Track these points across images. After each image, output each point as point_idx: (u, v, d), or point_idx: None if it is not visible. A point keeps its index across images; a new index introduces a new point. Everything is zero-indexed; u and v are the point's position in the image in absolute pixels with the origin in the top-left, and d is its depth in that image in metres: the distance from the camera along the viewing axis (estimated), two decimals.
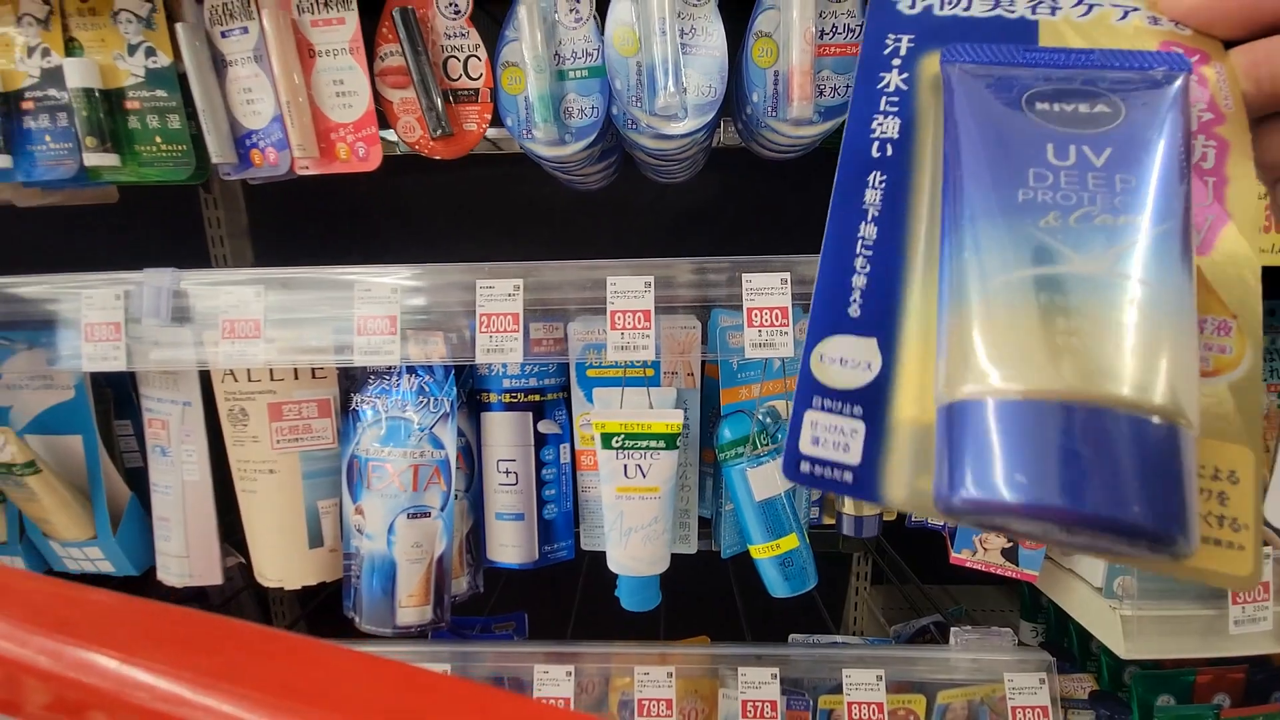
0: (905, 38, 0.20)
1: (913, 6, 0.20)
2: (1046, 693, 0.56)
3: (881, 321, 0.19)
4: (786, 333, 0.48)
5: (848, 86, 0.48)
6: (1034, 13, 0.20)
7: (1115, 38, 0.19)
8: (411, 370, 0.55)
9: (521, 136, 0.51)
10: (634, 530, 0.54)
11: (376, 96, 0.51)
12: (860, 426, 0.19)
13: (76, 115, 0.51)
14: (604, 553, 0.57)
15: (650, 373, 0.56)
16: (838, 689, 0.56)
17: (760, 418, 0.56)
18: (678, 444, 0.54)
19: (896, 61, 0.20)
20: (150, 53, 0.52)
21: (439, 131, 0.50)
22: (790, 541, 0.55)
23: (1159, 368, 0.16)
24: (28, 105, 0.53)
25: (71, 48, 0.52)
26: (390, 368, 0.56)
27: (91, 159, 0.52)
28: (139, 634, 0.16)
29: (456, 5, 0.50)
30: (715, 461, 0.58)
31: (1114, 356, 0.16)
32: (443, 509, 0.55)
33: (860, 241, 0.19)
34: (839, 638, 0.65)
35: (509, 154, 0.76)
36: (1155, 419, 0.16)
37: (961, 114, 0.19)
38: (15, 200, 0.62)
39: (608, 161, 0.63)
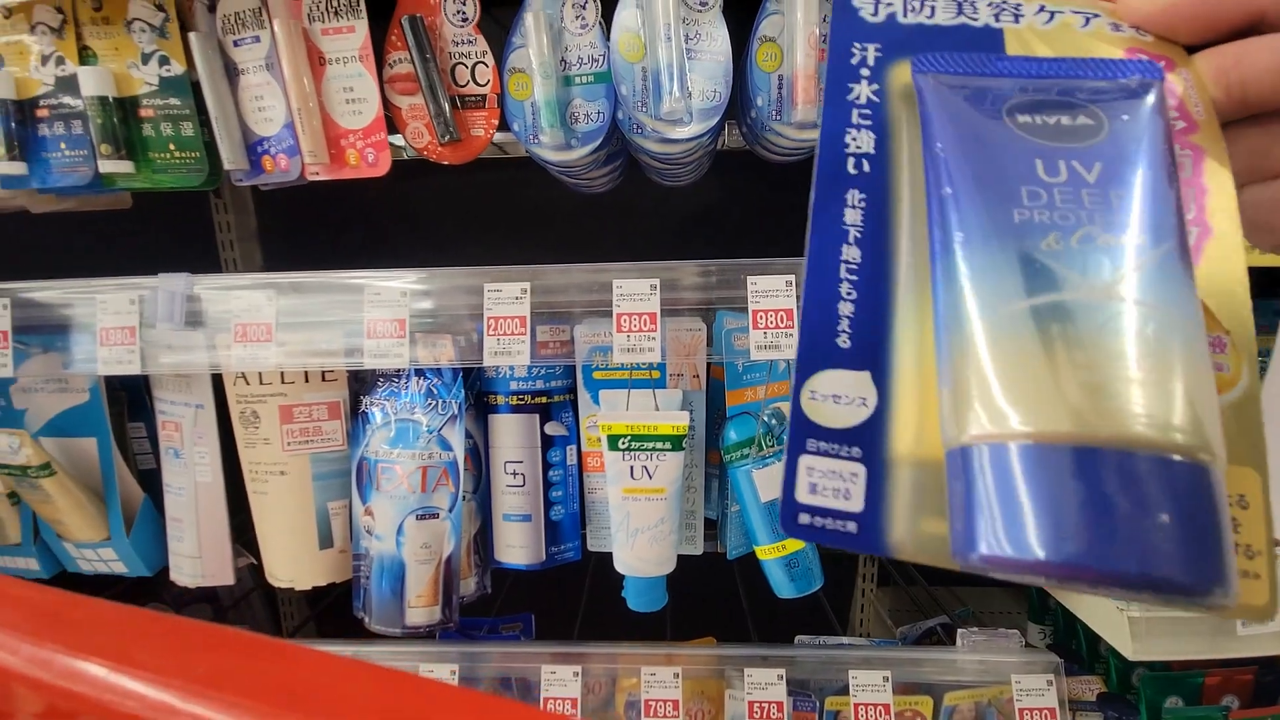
0: (872, 47, 0.19)
1: (876, 14, 0.19)
2: (1054, 695, 0.55)
3: (874, 352, 0.18)
4: (792, 334, 0.49)
5: None
6: (998, 20, 0.19)
7: (1080, 45, 0.19)
8: (420, 373, 0.56)
9: (528, 141, 0.51)
10: (640, 531, 0.55)
11: (385, 103, 0.52)
12: (860, 470, 0.17)
13: (91, 123, 0.52)
14: (610, 554, 0.58)
15: (656, 375, 0.57)
16: (844, 690, 0.56)
17: (766, 419, 0.57)
18: (684, 445, 0.54)
19: (865, 72, 0.19)
20: (164, 61, 0.53)
21: (447, 137, 0.51)
22: (796, 543, 0.56)
23: (1185, 403, 0.15)
24: (43, 113, 0.54)
25: (85, 56, 0.53)
26: (399, 370, 0.56)
27: (106, 166, 0.53)
28: (129, 642, 0.16)
29: (464, 13, 0.50)
30: (721, 463, 0.58)
31: (1134, 392, 0.15)
32: (451, 510, 0.56)
33: (844, 265, 0.18)
34: (845, 639, 0.66)
35: (515, 158, 0.77)
36: (1185, 459, 0.15)
37: (941, 128, 0.18)
38: (30, 206, 0.63)
39: (613, 165, 0.63)
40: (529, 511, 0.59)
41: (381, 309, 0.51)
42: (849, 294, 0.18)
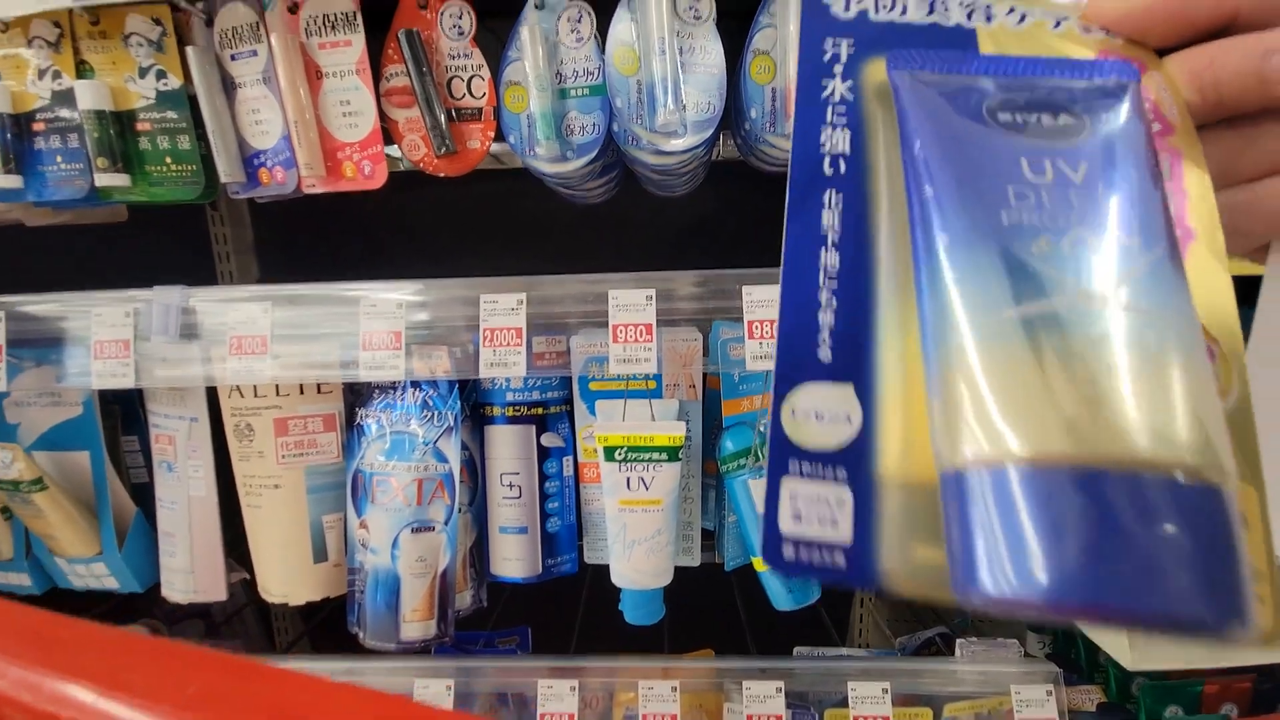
0: (844, 42, 0.18)
1: (847, 9, 0.19)
2: (1054, 705, 0.55)
3: (857, 364, 0.17)
4: None
5: None
6: (970, 20, 0.19)
7: (1052, 47, 0.18)
8: (416, 384, 0.56)
9: (524, 153, 0.52)
10: (637, 543, 0.54)
11: (382, 115, 0.52)
12: (847, 495, 0.16)
13: (88, 136, 0.52)
14: (607, 566, 0.57)
15: (652, 385, 0.57)
16: (843, 702, 0.56)
17: (763, 429, 0.57)
18: (680, 456, 0.54)
19: (838, 68, 0.18)
20: (161, 75, 0.53)
21: (443, 150, 0.51)
22: None
23: (1192, 419, 0.14)
24: (39, 126, 0.54)
25: (83, 70, 0.53)
26: (395, 382, 0.56)
27: (103, 179, 0.53)
28: (118, 665, 0.16)
29: (460, 27, 0.51)
30: (718, 473, 0.58)
31: (1137, 407, 0.14)
32: (446, 523, 0.55)
33: (823, 272, 0.17)
34: (844, 650, 0.65)
35: (511, 169, 0.77)
36: (1198, 482, 0.14)
37: (919, 126, 0.17)
38: (25, 219, 0.63)
39: (609, 176, 0.63)
40: (525, 524, 0.59)
41: (377, 321, 0.51)
42: (828, 302, 0.17)
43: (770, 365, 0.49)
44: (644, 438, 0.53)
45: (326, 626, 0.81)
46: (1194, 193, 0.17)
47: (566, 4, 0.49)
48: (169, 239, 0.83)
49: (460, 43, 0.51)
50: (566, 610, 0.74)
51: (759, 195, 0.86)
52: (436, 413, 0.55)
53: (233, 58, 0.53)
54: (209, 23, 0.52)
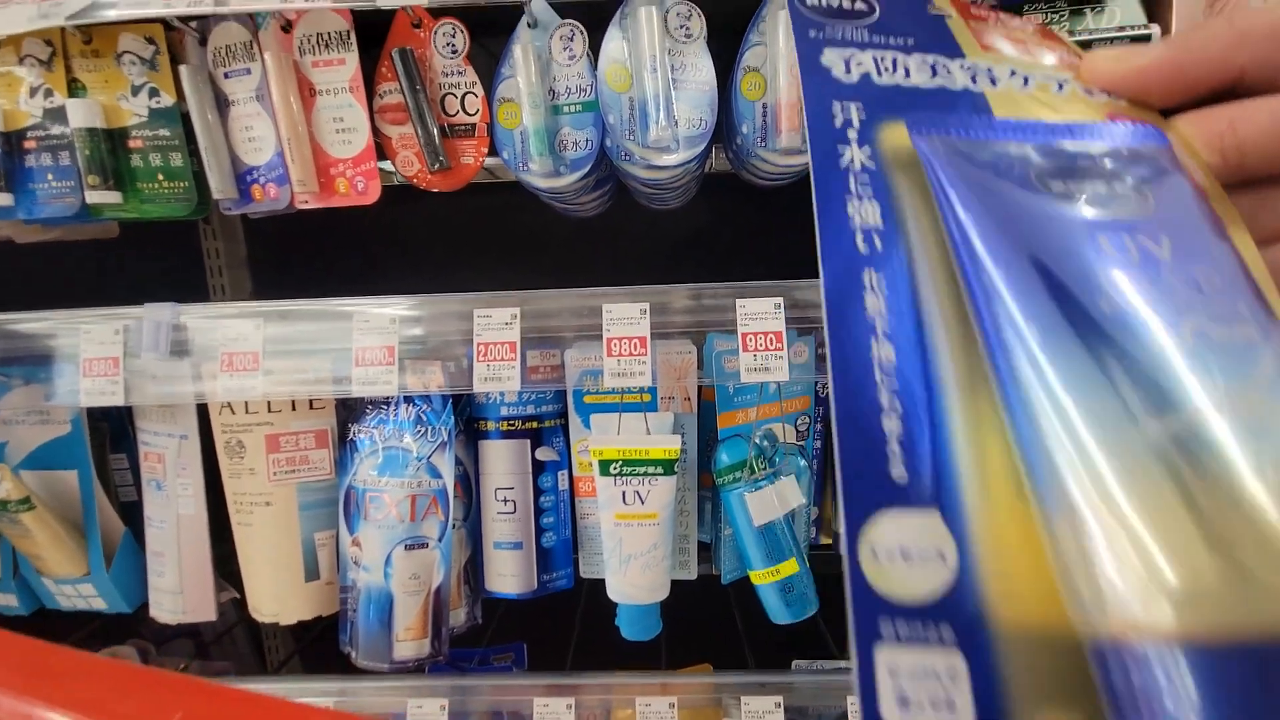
0: (853, 106, 0.17)
1: (849, 73, 0.17)
2: None
3: (938, 481, 0.13)
4: (781, 357, 0.49)
5: None
6: (974, 84, 0.18)
7: (1063, 110, 0.17)
8: (409, 399, 0.55)
9: (517, 169, 0.52)
10: (633, 557, 0.54)
11: (375, 132, 0.52)
12: (960, 663, 0.12)
13: (79, 154, 0.52)
14: (603, 581, 0.57)
15: (647, 398, 0.56)
16: (843, 716, 0.55)
17: (758, 441, 0.57)
18: (676, 469, 0.54)
19: (852, 134, 0.17)
20: (154, 93, 0.53)
21: (436, 165, 0.52)
22: (790, 566, 0.55)
23: None
24: (30, 144, 0.54)
25: (75, 88, 0.53)
26: (388, 397, 0.56)
27: (94, 197, 0.53)
28: (107, 695, 0.16)
29: (454, 45, 0.51)
30: (713, 485, 0.58)
31: None
32: (440, 539, 0.55)
33: (878, 368, 0.14)
34: (843, 663, 0.65)
35: (505, 182, 0.78)
36: None
37: (966, 199, 0.15)
38: (15, 236, 0.62)
39: (602, 190, 0.64)
40: (520, 539, 0.59)
41: (370, 336, 0.51)
42: (891, 404, 0.14)
43: (764, 378, 0.49)
44: (639, 452, 0.53)
45: (318, 646, 0.80)
46: (1247, 256, 0.15)
47: (559, 22, 0.50)
48: (162, 254, 0.82)
49: (454, 60, 0.51)
50: (562, 626, 0.73)
51: (751, 207, 0.87)
52: (430, 428, 0.55)
53: (226, 75, 0.53)
54: (202, 41, 0.53)
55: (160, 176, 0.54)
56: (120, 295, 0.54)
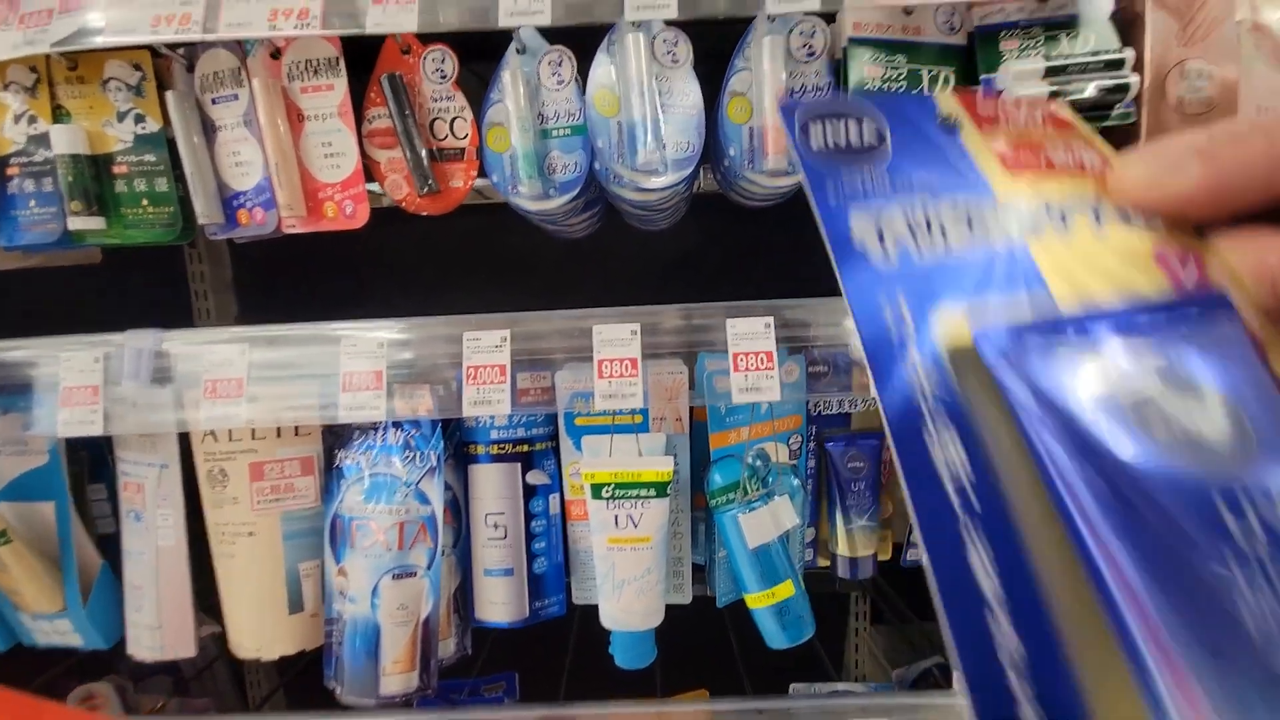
0: (900, 298, 0.15)
1: (886, 253, 0.16)
2: None
3: None
4: (773, 376, 0.49)
5: None
6: (1015, 235, 0.16)
7: (1114, 266, 0.16)
8: (397, 424, 0.55)
9: (507, 191, 0.52)
10: (627, 583, 0.53)
11: (365, 156, 0.52)
12: None
13: (62, 180, 0.52)
14: (596, 606, 0.56)
15: (639, 419, 0.56)
16: None
17: (750, 461, 0.56)
18: (668, 491, 0.53)
19: (909, 339, 0.15)
20: (139, 119, 0.53)
21: (425, 189, 0.51)
22: (786, 589, 0.54)
23: None
24: (13, 171, 0.54)
25: (59, 115, 0.53)
26: (376, 423, 0.55)
27: (76, 223, 0.52)
28: None
29: (443, 71, 0.51)
30: (707, 506, 0.57)
31: None
32: (429, 567, 0.54)
33: (1006, 659, 0.13)
34: (841, 686, 0.64)
35: (495, 204, 0.78)
36: None
37: (1060, 460, 0.13)
38: None
39: (592, 211, 0.64)
40: (511, 565, 0.58)
41: (358, 360, 0.50)
42: (1024, 692, 0.12)
43: (755, 398, 0.49)
44: (631, 474, 0.53)
45: (302, 681, 0.78)
46: None
47: (548, 49, 0.50)
48: (146, 277, 0.81)
49: (443, 86, 0.52)
50: (555, 654, 0.71)
51: (740, 226, 0.87)
52: (419, 453, 0.54)
53: (214, 101, 0.53)
54: (190, 68, 0.53)
55: (145, 202, 0.54)
56: (104, 319, 0.53)
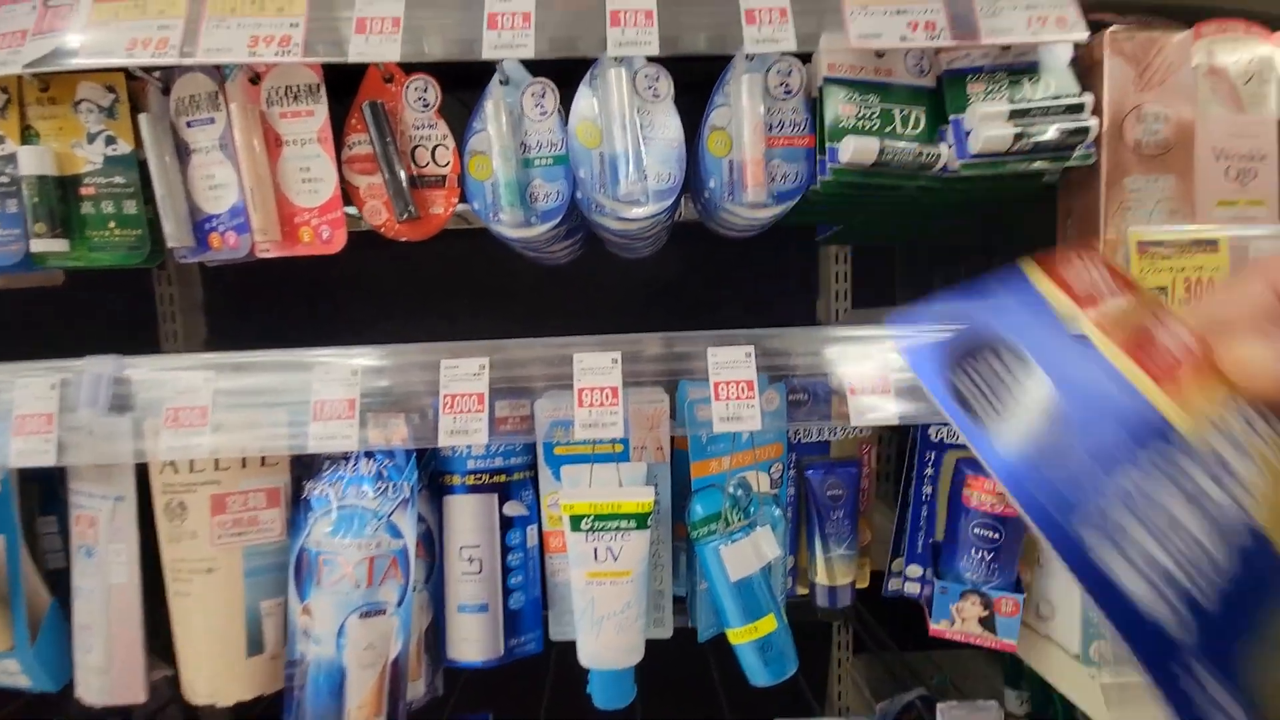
0: (1198, 668, 0.14)
1: (1143, 580, 0.14)
2: None
3: None
4: (753, 405, 0.49)
5: (796, 173, 0.51)
6: (1222, 486, 0.15)
7: None
8: (369, 454, 0.53)
9: (489, 219, 0.52)
10: (606, 618, 0.52)
11: (344, 182, 0.52)
12: None
13: (27, 202, 0.50)
14: (574, 643, 0.54)
15: (619, 449, 0.55)
16: None
17: (732, 491, 0.56)
18: (649, 523, 0.52)
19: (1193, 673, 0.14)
20: (110, 141, 0.52)
21: (405, 215, 0.51)
22: (768, 624, 0.53)
23: None
24: None
25: (28, 136, 0.52)
26: (347, 452, 0.53)
27: (39, 245, 0.51)
28: None
29: (425, 99, 0.51)
30: (688, 536, 0.56)
31: None
32: (400, 604, 0.52)
33: None
34: None
35: (476, 229, 0.78)
36: None
37: None
38: None
39: (573, 239, 0.64)
40: (486, 601, 0.56)
41: (330, 388, 0.49)
42: None
43: (736, 427, 0.49)
44: (611, 505, 0.52)
45: None
46: None
47: (531, 80, 0.51)
48: (113, 299, 0.79)
49: (425, 114, 0.52)
50: (531, 693, 0.69)
51: (721, 255, 0.88)
52: (392, 484, 0.52)
53: (189, 124, 0.52)
54: (165, 90, 0.52)
55: (112, 224, 0.52)
56: (68, 342, 0.51)
